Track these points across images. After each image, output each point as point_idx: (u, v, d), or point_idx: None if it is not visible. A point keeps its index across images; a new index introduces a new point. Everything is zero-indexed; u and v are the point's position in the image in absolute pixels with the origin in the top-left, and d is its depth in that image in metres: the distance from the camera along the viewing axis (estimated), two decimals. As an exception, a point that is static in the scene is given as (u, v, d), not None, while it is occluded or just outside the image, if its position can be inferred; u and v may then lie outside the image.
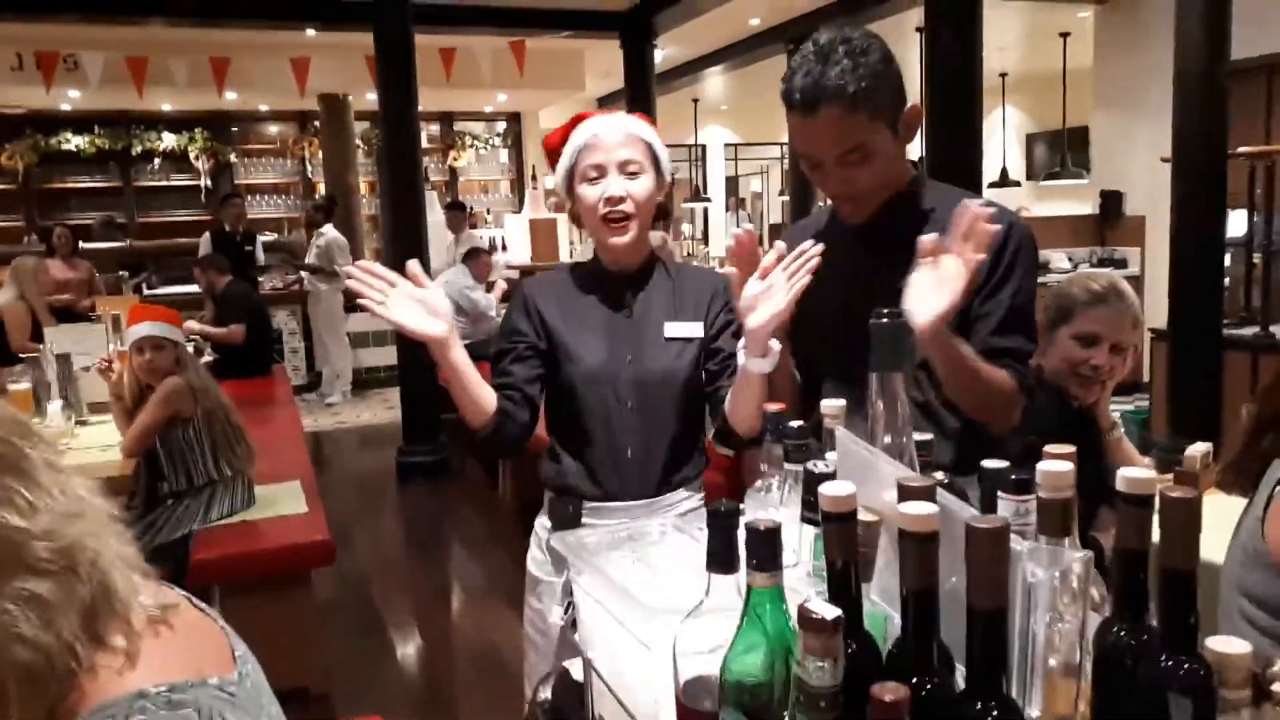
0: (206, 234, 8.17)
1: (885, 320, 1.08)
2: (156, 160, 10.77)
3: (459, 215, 8.96)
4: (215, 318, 6.34)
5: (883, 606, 0.87)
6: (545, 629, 1.78)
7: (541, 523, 1.83)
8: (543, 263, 7.29)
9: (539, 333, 1.74)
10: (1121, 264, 7.78)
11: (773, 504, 1.11)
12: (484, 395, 1.66)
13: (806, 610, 0.70)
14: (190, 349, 3.79)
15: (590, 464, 1.71)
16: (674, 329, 1.70)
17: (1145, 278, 7.53)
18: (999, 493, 0.87)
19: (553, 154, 1.76)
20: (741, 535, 0.82)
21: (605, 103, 13.13)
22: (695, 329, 1.71)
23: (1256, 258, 5.45)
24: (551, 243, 9.45)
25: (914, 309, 1.31)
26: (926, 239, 1.34)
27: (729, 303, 1.67)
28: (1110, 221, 8.16)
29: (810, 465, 0.93)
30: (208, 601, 3.22)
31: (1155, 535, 0.75)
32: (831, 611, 0.69)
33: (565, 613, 1.70)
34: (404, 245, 6.05)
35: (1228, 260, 5.37)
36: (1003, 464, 0.91)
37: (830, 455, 1.00)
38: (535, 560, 1.82)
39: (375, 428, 7.65)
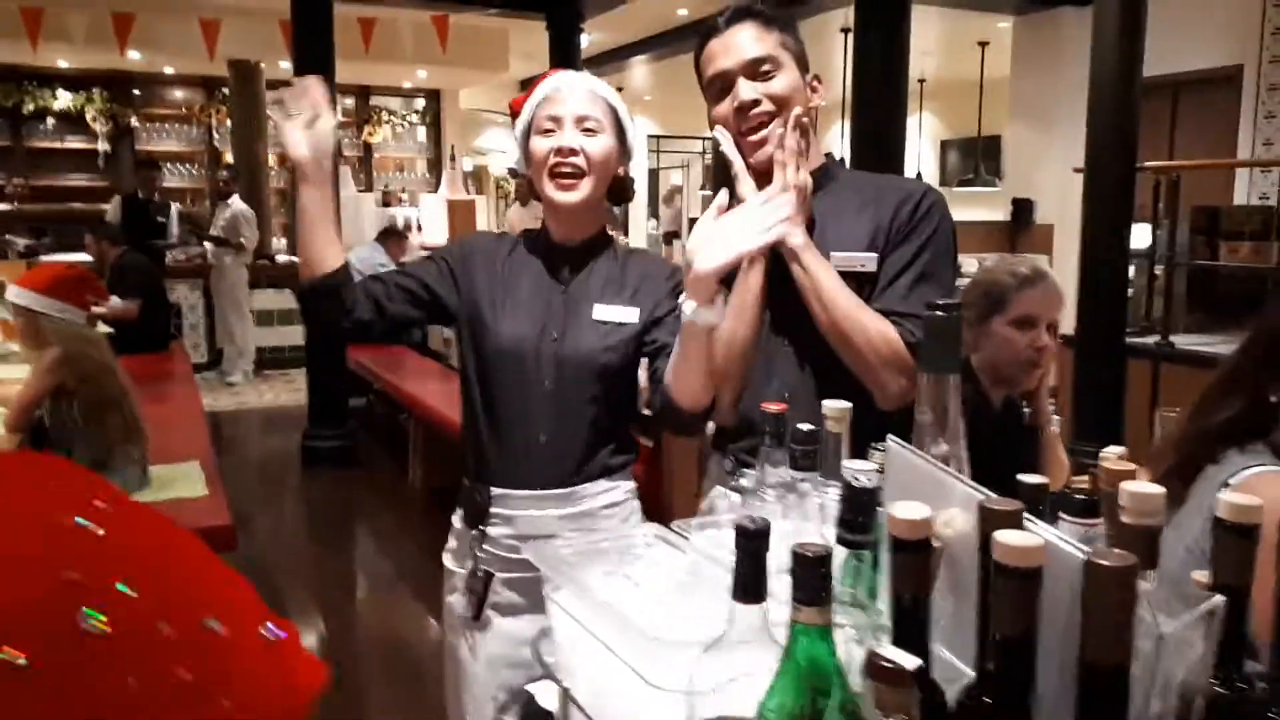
0: (116, 198, 7.68)
1: (940, 314, 0.93)
2: (50, 120, 10.17)
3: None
4: (108, 290, 6.00)
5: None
6: (454, 624, 1.69)
7: (457, 512, 1.73)
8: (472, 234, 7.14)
9: (450, 283, 1.65)
10: (1029, 271, 7.99)
11: (771, 516, 1.03)
12: (328, 249, 1.57)
13: (879, 659, 0.61)
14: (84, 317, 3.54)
15: (501, 448, 1.60)
16: (604, 311, 1.59)
17: (1052, 285, 7.75)
18: (1061, 515, 0.76)
19: (517, 117, 1.68)
20: (772, 559, 0.72)
21: (528, 86, 12.93)
22: (629, 314, 1.60)
23: (1158, 269, 5.63)
24: (470, 224, 9.27)
25: (698, 256, 1.37)
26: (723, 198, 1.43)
27: (677, 290, 1.60)
28: (1021, 228, 8.39)
29: (852, 478, 0.81)
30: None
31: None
32: (911, 661, 0.60)
33: (469, 605, 1.61)
34: (316, 221, 5.84)
35: (1131, 271, 5.54)
36: (1041, 479, 0.83)
37: (854, 464, 0.88)
38: (449, 550, 1.72)
39: (279, 410, 7.37)
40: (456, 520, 1.70)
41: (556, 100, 1.60)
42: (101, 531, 0.48)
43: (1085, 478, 2.46)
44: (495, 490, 1.60)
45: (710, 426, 1.72)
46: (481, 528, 1.61)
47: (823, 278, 1.48)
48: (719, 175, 9.79)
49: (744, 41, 1.54)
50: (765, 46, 1.54)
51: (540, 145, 1.59)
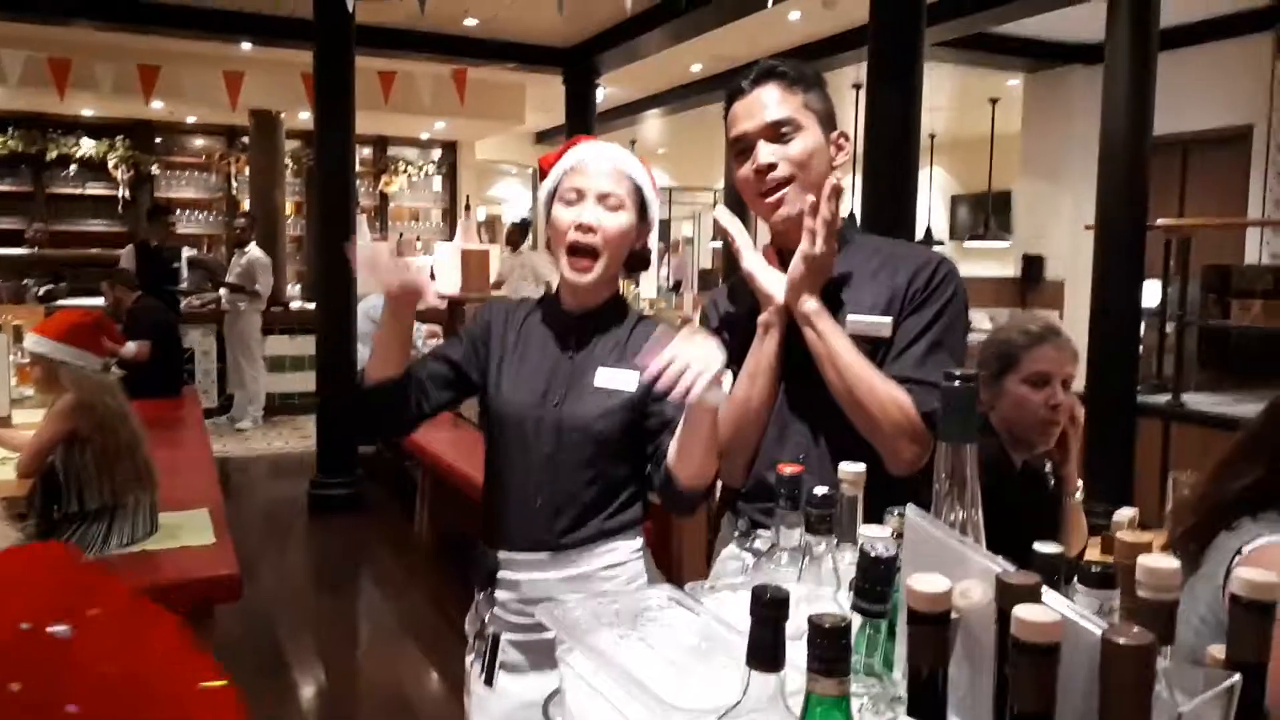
0: (130, 247, 7.75)
1: (957, 384, 0.94)
2: (72, 166, 10.35)
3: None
4: (123, 335, 6.05)
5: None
6: (468, 687, 1.68)
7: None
8: (474, 294, 7.16)
9: (473, 359, 1.68)
10: (1040, 326, 7.98)
11: (786, 579, 1.02)
12: (394, 367, 1.62)
13: None
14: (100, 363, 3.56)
15: (505, 511, 1.62)
16: (606, 377, 1.59)
17: (1063, 341, 7.74)
18: (1079, 585, 0.75)
19: (545, 174, 1.70)
20: (790, 627, 0.72)
21: (544, 138, 13.11)
22: (629, 379, 1.58)
23: (1169, 327, 5.62)
24: (483, 273, 9.34)
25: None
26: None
27: None
28: (1031, 284, 8.41)
29: (869, 547, 0.81)
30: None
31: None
32: None
33: (482, 669, 1.61)
34: (332, 268, 5.89)
35: (1142, 329, 5.54)
36: (1056, 548, 0.83)
37: (870, 529, 0.90)
38: (470, 614, 1.72)
39: (288, 456, 7.37)
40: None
41: (582, 172, 1.61)
42: (75, 642, 0.46)
43: (1099, 539, 2.43)
44: (502, 554, 1.61)
45: (718, 485, 1.71)
46: (489, 590, 1.62)
47: (836, 344, 1.48)
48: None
49: (766, 104, 1.55)
50: (787, 109, 1.55)
51: (561, 215, 1.61)
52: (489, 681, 1.60)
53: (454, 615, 1.77)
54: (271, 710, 3.43)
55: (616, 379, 1.59)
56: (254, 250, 8.01)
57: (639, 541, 1.66)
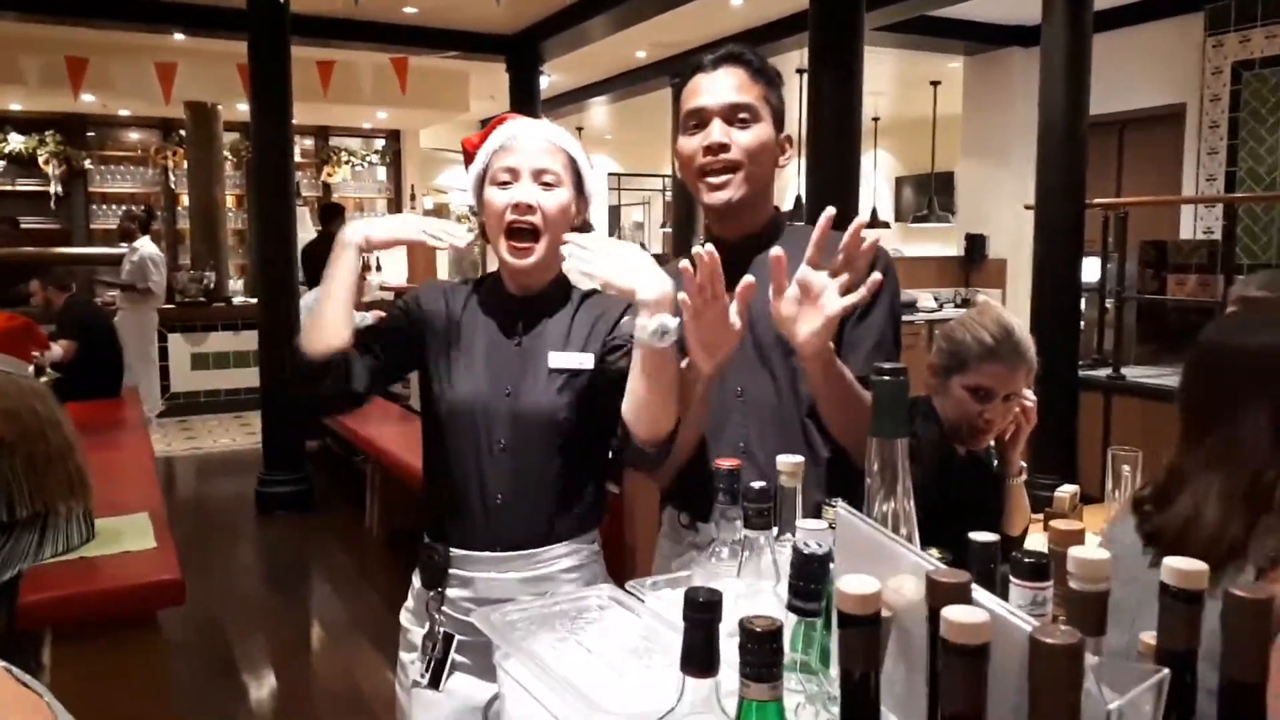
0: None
1: (886, 379, 0.93)
2: (1, 163, 10.03)
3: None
4: (55, 335, 5.86)
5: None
6: (405, 685, 1.62)
7: (417, 572, 1.64)
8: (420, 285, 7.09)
9: (414, 339, 1.60)
10: (985, 305, 8.10)
11: (726, 574, 1.01)
12: (345, 323, 1.51)
13: None
14: (29, 369, 3.44)
15: (458, 508, 1.54)
16: (559, 359, 1.53)
17: (1007, 319, 7.86)
18: (1012, 579, 0.75)
19: (469, 157, 1.62)
20: (725, 621, 0.70)
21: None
22: (584, 360, 1.53)
23: (1109, 303, 5.74)
24: (429, 263, 9.24)
25: (792, 327, 1.34)
26: (774, 255, 1.35)
27: (624, 319, 1.53)
28: (974, 263, 8.52)
29: (802, 544, 0.80)
30: (37, 647, 2.87)
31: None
32: None
33: (426, 669, 1.54)
34: (273, 261, 5.78)
35: (1082, 304, 5.64)
36: (992, 537, 0.82)
37: (806, 524, 0.88)
38: (406, 609, 1.65)
39: (233, 453, 7.25)
40: (415, 580, 1.63)
41: (513, 150, 1.54)
42: None
43: (1042, 516, 2.46)
44: (454, 551, 1.54)
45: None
46: (439, 589, 1.55)
47: (846, 380, 1.44)
48: (679, 214, 9.86)
49: (729, 85, 1.54)
50: (748, 96, 1.54)
51: (496, 199, 1.53)
52: (435, 684, 1.54)
53: (407, 611, 1.70)
54: (225, 715, 3.37)
55: (570, 360, 1.53)
56: (146, 246, 7.55)
57: (596, 545, 1.62)
